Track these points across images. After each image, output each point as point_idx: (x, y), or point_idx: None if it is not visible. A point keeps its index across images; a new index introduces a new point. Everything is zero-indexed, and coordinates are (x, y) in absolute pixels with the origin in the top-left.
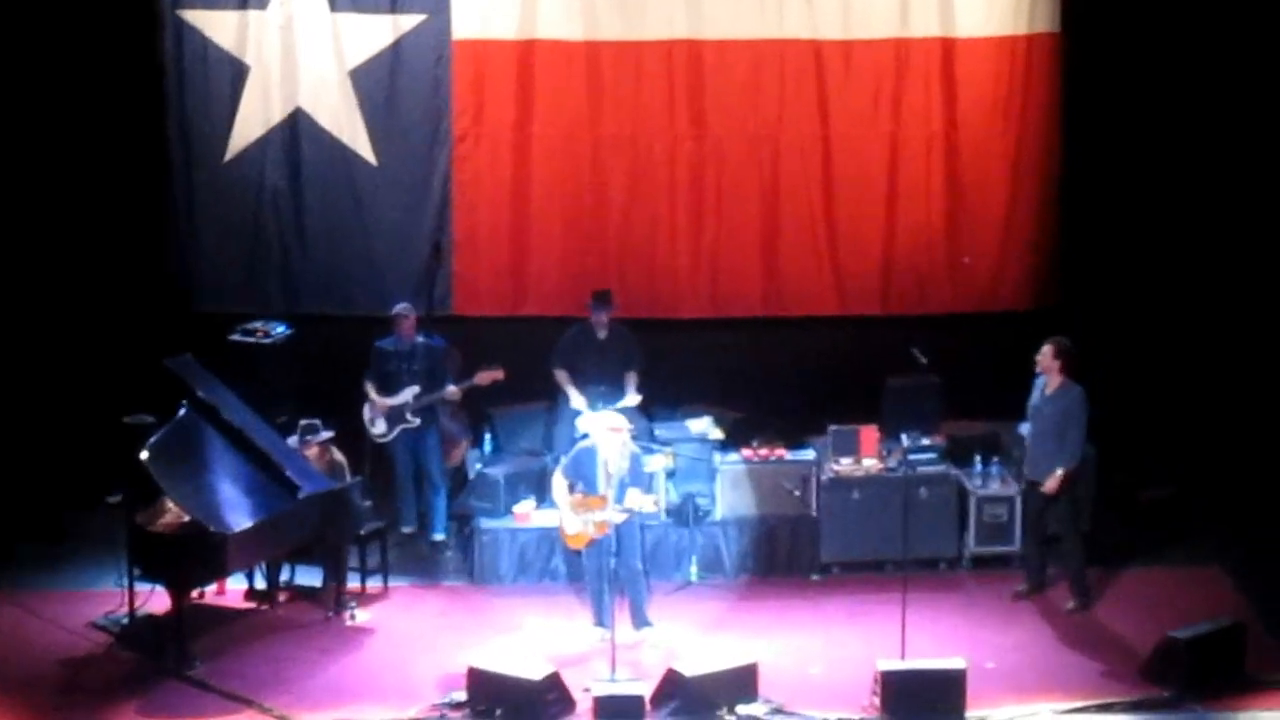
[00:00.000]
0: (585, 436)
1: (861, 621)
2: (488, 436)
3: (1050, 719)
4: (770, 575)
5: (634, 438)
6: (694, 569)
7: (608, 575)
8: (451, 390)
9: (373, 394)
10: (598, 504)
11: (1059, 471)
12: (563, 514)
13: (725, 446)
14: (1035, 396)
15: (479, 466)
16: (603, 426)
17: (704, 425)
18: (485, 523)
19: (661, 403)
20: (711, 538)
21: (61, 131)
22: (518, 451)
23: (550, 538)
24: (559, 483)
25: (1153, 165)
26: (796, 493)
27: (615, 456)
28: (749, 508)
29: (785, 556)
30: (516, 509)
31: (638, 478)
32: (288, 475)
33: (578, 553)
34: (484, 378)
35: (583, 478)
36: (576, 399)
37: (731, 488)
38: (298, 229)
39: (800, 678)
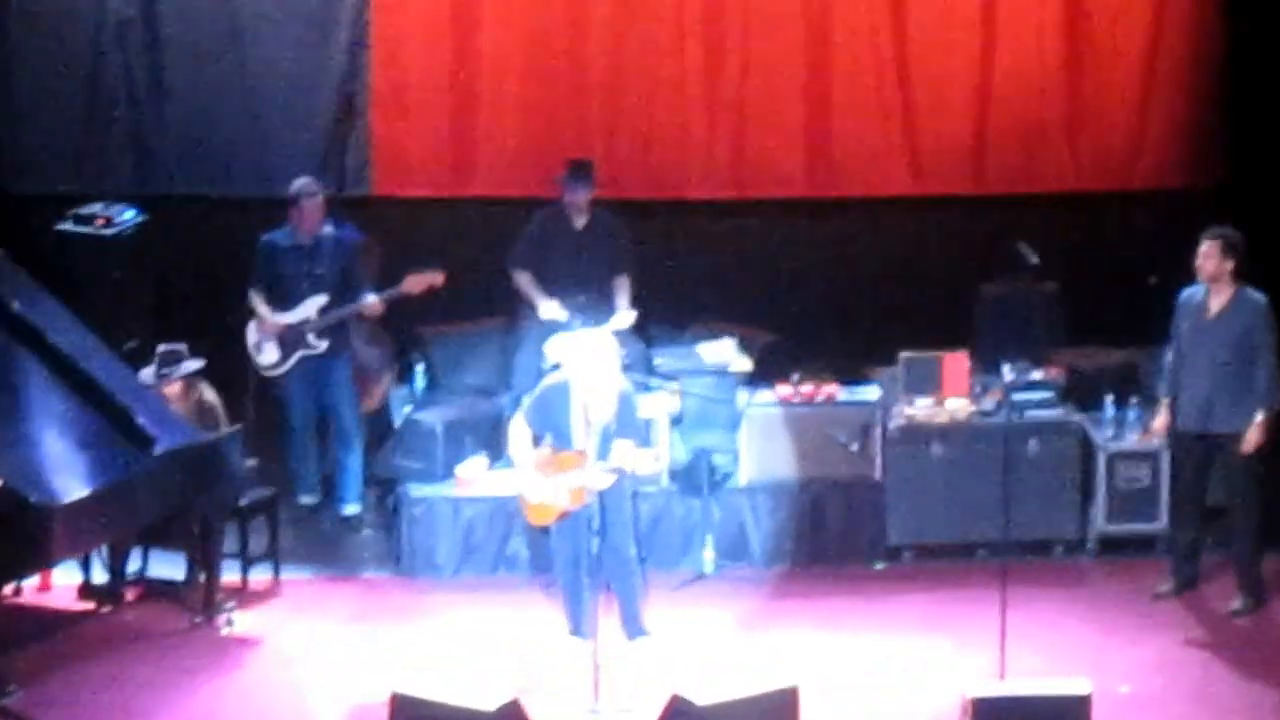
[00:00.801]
0: (557, 368)
1: (944, 628)
2: (420, 369)
3: None
4: (815, 564)
5: (625, 369)
6: (709, 555)
7: (588, 565)
8: (370, 302)
9: (259, 308)
10: (573, 462)
11: (1258, 417)
12: (524, 477)
13: (754, 382)
14: (1191, 313)
15: (408, 411)
16: (582, 353)
17: (724, 352)
18: (416, 490)
19: (665, 320)
20: (734, 511)
21: None
22: (462, 390)
23: (507, 511)
24: (519, 433)
25: None
26: (853, 447)
27: (598, 396)
28: (786, 469)
29: (837, 538)
30: (460, 471)
31: (629, 426)
32: (138, 424)
33: (546, 531)
34: (415, 284)
35: (552, 426)
36: (546, 311)
37: (762, 441)
38: (153, 77)
39: (856, 707)
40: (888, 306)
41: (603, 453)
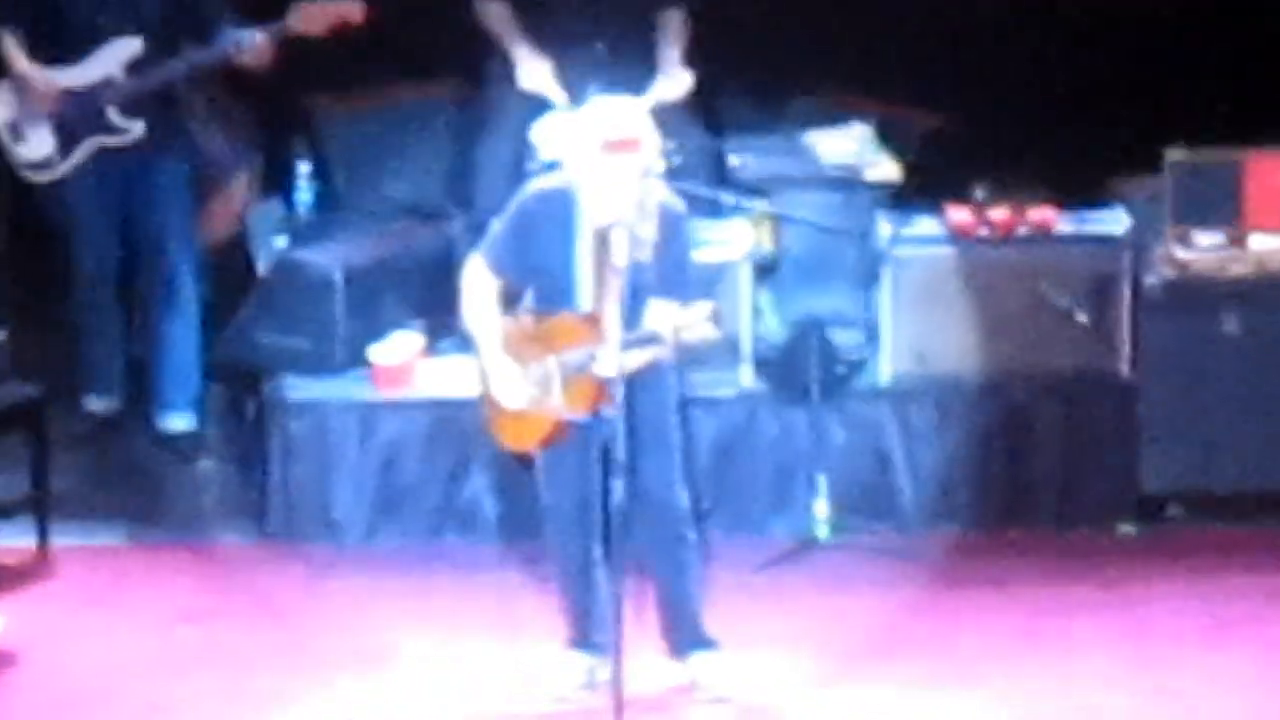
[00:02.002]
0: (552, 166)
1: (1242, 639)
2: (304, 172)
3: None
4: (1013, 527)
5: (673, 175)
6: (822, 511)
7: (603, 526)
8: (248, 43)
9: (17, 63)
10: (576, 336)
11: None
12: (491, 365)
13: (905, 202)
14: None
15: (282, 246)
16: (595, 144)
17: (853, 147)
18: (297, 390)
19: (749, 91)
20: (867, 433)
21: None
22: (378, 209)
23: (459, 427)
24: (482, 287)
25: None
26: (1081, 318)
27: (624, 219)
28: (961, 357)
29: (1053, 482)
30: (377, 356)
31: (678, 276)
32: None
33: (529, 465)
34: (313, 18)
35: (541, 273)
36: (531, 73)
37: (920, 307)
38: None
39: None
40: (1144, 70)
41: (630, 320)
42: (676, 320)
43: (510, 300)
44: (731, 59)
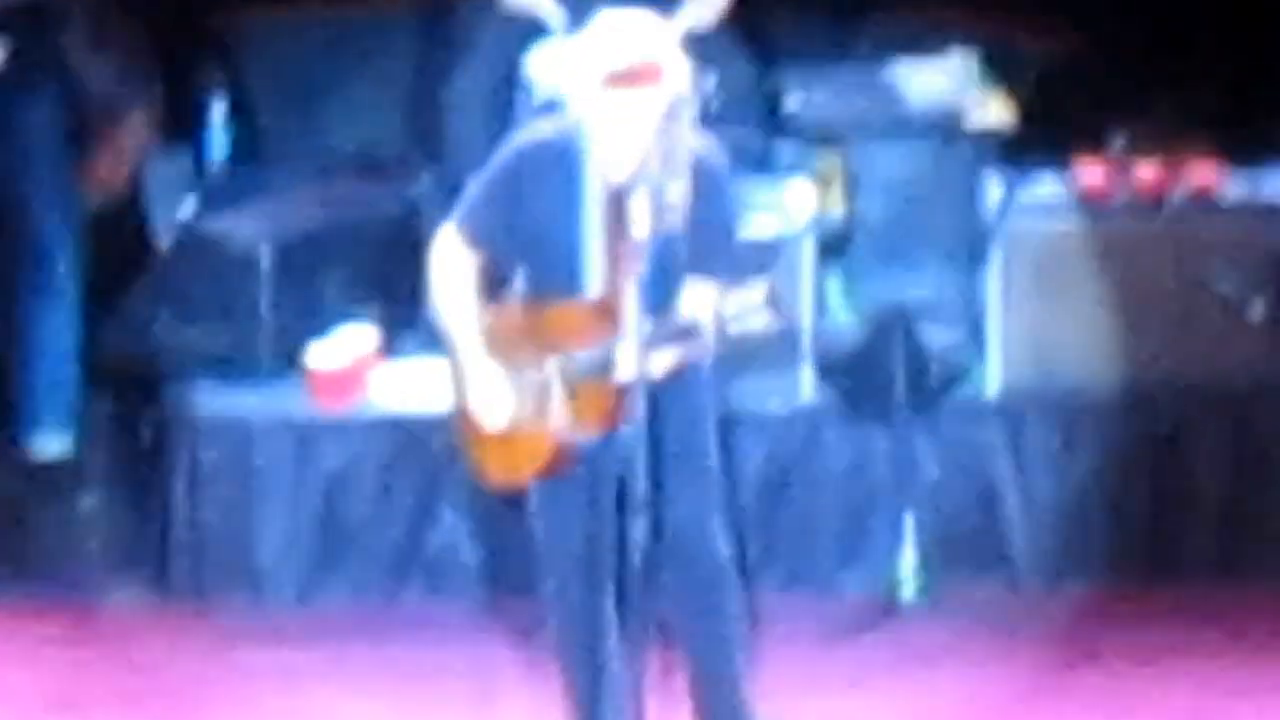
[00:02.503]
0: (551, 108)
1: None
2: (218, 109)
3: None
4: (1163, 581)
5: (712, 118)
6: (907, 560)
7: (619, 581)
8: None
9: None
10: (585, 329)
11: None
12: (472, 369)
13: (1019, 154)
14: None
15: (189, 208)
16: (601, 72)
17: (944, 80)
18: (210, 403)
19: (807, 6)
20: (969, 457)
21: None
22: (317, 161)
23: (425, 453)
24: (458, 266)
25: None
26: (1256, 310)
27: (642, 171)
28: (1095, 360)
29: (1219, 521)
30: (314, 357)
31: (718, 246)
32: None
33: (519, 504)
34: None
35: (536, 245)
36: None
37: (1041, 292)
38: None
39: None
40: None
41: (656, 309)
42: (719, 306)
43: (495, 284)
44: None
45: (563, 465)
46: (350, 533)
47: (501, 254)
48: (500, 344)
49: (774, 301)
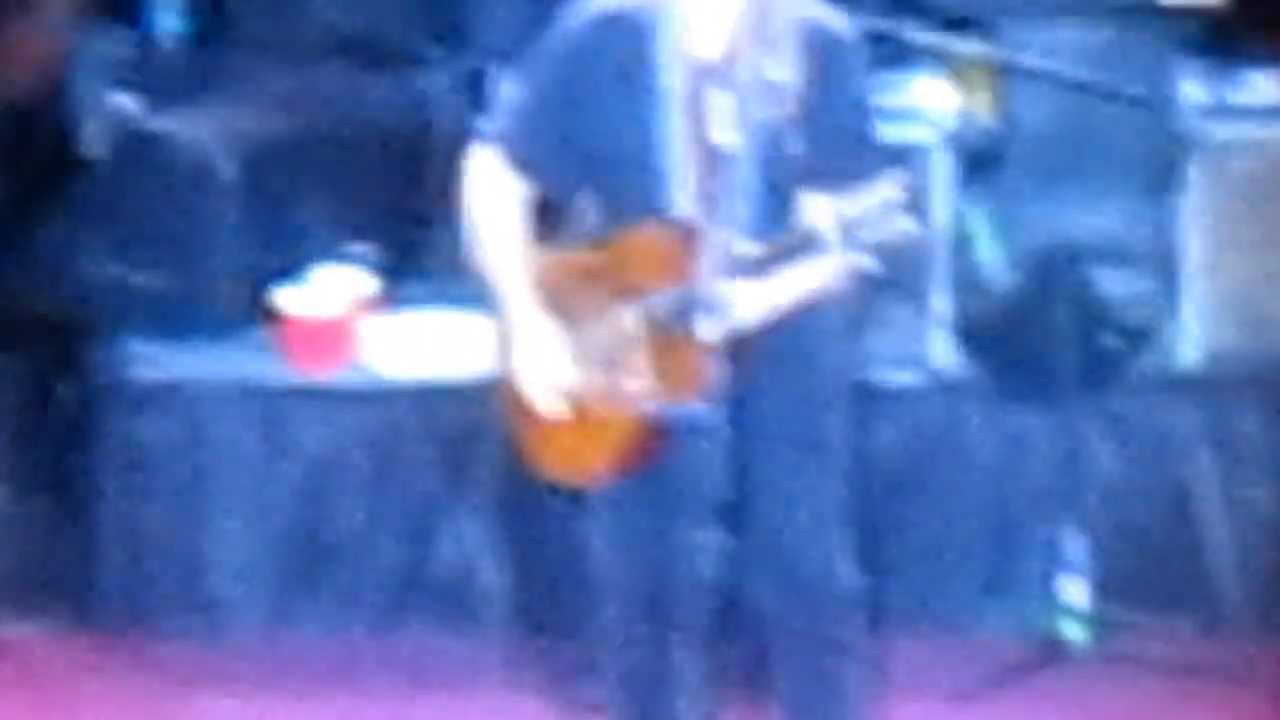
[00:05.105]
0: None
1: None
2: None
3: None
4: None
5: None
6: (1075, 589)
7: (692, 612)
8: None
9: None
10: (670, 263)
11: None
12: (515, 323)
13: (1225, 45)
14: None
15: (129, 106)
16: None
17: None
18: (149, 363)
19: None
20: (1157, 451)
21: None
22: (295, 38)
23: (439, 435)
24: (497, 189)
25: None
26: None
27: (739, 36)
28: None
29: None
30: (288, 302)
31: (842, 138)
32: None
33: (573, 505)
34: None
35: (604, 155)
36: None
37: (1255, 233)
38: None
39: None
40: None
41: (763, 223)
42: (847, 211)
43: (549, 216)
44: None
45: (646, 451)
46: (333, 544)
47: (558, 177)
48: (559, 294)
49: (914, 205)
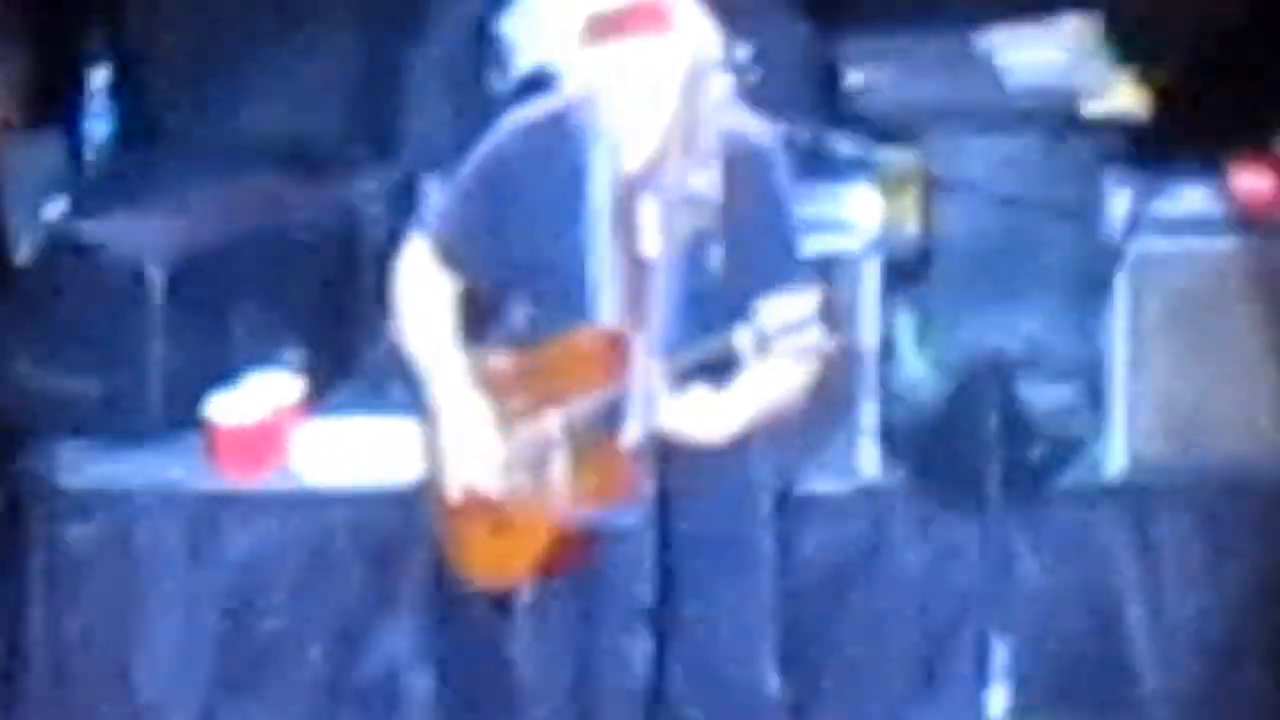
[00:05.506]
0: (537, 82)
1: None
2: (99, 80)
3: None
4: None
5: (749, 97)
6: (997, 699)
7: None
8: None
9: None
10: (595, 371)
11: None
12: (446, 423)
13: (1153, 155)
14: None
15: (58, 211)
16: (583, 21)
17: (1055, 54)
18: (78, 470)
19: None
20: (1084, 560)
21: None
22: (227, 145)
23: (372, 542)
24: (429, 286)
25: None
26: None
27: (664, 148)
28: (1257, 433)
29: None
30: (219, 411)
31: (763, 247)
32: None
33: (501, 612)
34: None
35: (530, 259)
36: None
37: (1183, 342)
38: None
39: None
40: None
41: (685, 332)
42: (765, 322)
43: (478, 318)
44: None
45: (571, 557)
46: (262, 650)
47: (486, 275)
48: (488, 395)
49: (830, 316)
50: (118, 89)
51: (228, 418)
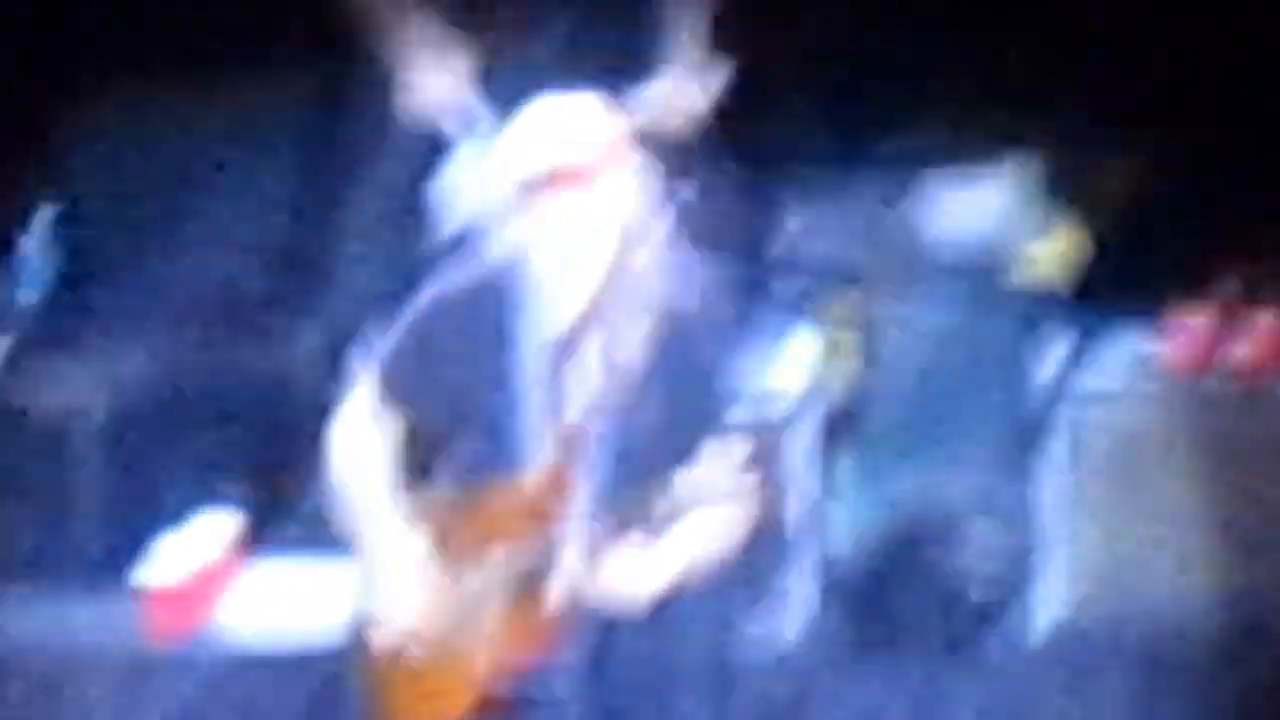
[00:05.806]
0: (467, 239)
1: None
2: (39, 223)
3: None
4: None
5: (684, 243)
6: None
7: None
8: None
9: None
10: (523, 523)
11: None
12: (383, 567)
13: (1089, 306)
14: None
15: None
16: (514, 176)
17: (991, 204)
18: (7, 623)
19: (813, 101)
20: (1011, 711)
21: None
22: (164, 290)
23: (305, 694)
24: (371, 427)
25: None
26: None
27: (593, 308)
28: (1194, 589)
29: None
30: (147, 567)
31: (691, 405)
32: None
33: None
34: None
35: (463, 413)
36: (428, 82)
37: (1118, 498)
38: None
39: None
40: None
41: (613, 489)
42: (691, 478)
43: (422, 469)
44: (792, 48)
45: (495, 713)
46: None
47: (426, 420)
48: (429, 535)
49: (760, 465)
50: (52, 238)
51: (154, 579)
